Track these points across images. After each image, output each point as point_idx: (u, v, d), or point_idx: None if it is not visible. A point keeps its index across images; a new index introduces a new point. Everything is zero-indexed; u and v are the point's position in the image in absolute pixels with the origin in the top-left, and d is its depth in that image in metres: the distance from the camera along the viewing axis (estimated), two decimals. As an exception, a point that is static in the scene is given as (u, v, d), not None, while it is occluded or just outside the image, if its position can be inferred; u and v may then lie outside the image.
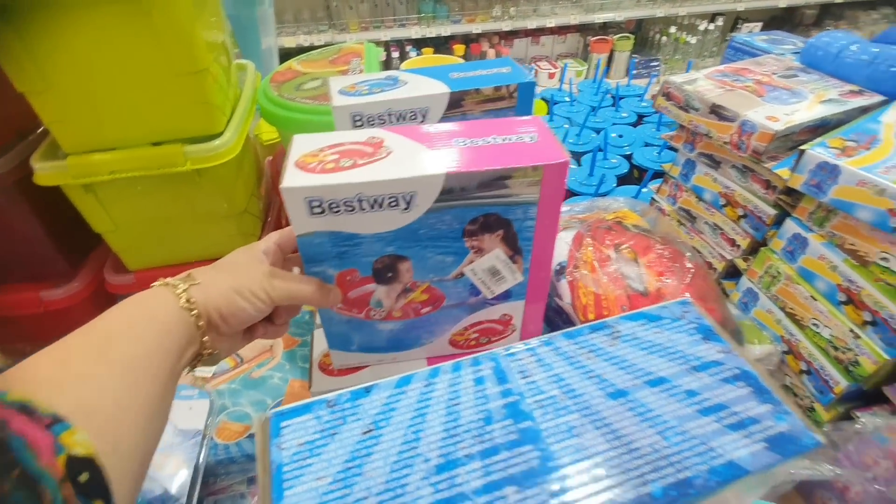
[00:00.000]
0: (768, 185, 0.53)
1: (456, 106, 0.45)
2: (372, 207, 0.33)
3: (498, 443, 0.17)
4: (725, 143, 0.54)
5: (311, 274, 0.36)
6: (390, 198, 0.32)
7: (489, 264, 0.38)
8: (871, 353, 0.44)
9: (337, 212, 0.33)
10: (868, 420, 0.45)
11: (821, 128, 0.51)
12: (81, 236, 0.60)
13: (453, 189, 0.33)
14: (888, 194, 0.40)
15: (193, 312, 0.30)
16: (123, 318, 0.28)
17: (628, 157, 0.92)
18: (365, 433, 0.17)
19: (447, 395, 0.19)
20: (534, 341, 0.21)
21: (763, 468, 0.17)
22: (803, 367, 0.51)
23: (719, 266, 0.61)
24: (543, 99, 1.17)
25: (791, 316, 0.51)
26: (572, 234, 0.55)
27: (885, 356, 0.43)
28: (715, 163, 0.59)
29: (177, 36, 0.47)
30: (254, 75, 0.69)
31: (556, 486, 0.16)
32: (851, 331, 0.45)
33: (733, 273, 0.59)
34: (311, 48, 2.50)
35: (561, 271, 0.51)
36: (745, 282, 0.57)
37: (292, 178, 0.32)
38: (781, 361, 0.52)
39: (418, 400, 0.19)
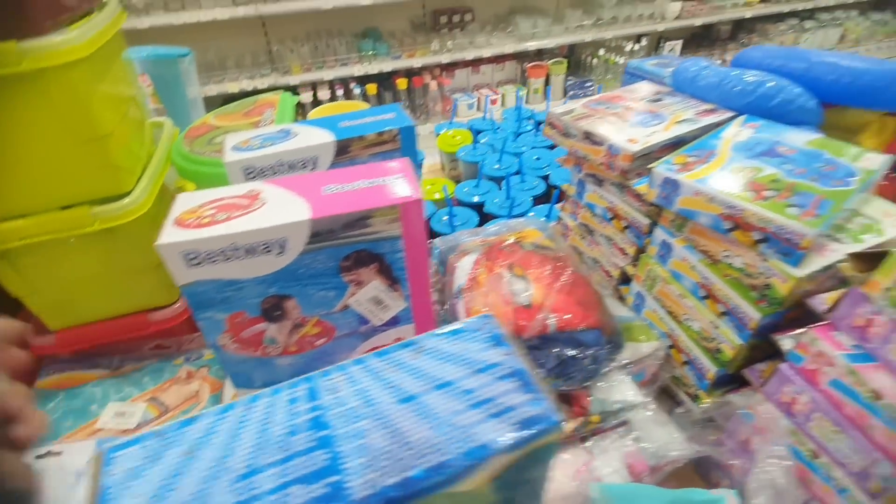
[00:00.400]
0: (640, 198, 0.59)
1: (344, 152, 0.50)
2: (247, 255, 0.36)
3: (296, 450, 0.21)
4: (600, 164, 0.60)
5: (200, 320, 0.39)
6: (263, 245, 0.36)
7: (370, 295, 0.42)
8: (728, 341, 0.50)
9: (214, 261, 0.36)
10: (737, 400, 0.51)
11: (678, 145, 0.58)
12: (3, 301, 0.61)
13: (321, 231, 0.37)
14: (717, 201, 0.46)
15: None
16: None
17: (546, 178, 0.98)
18: (184, 455, 0.21)
19: (262, 416, 0.22)
20: (347, 362, 0.25)
21: (509, 448, 0.21)
22: (684, 358, 0.56)
23: (615, 273, 0.66)
24: (470, 129, 1.24)
25: (670, 313, 0.57)
26: (474, 258, 0.60)
27: (739, 341, 0.49)
28: (598, 181, 0.65)
29: (77, 107, 0.50)
30: (171, 131, 0.72)
31: (335, 479, 0.20)
32: (712, 322, 0.51)
33: (626, 279, 0.65)
34: (255, 92, 2.55)
35: (459, 293, 0.55)
36: (634, 286, 0.62)
37: (168, 235, 0.35)
38: (667, 355, 0.58)
39: (237, 422, 0.22)
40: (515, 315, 0.49)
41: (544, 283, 0.53)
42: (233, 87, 2.41)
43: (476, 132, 1.19)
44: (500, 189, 0.96)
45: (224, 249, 0.36)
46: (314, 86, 2.62)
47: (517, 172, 0.98)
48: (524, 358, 0.25)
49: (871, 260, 0.40)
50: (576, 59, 3.25)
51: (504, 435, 0.21)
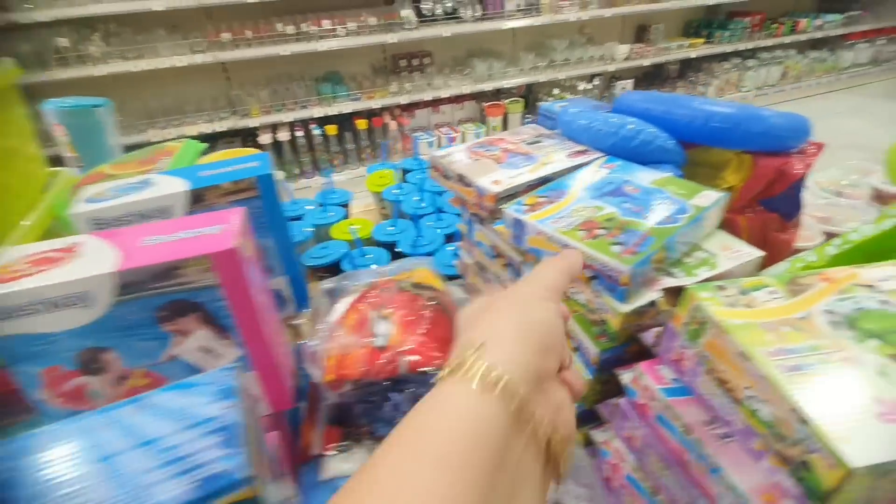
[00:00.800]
0: (511, 237, 0.61)
1: (199, 201, 0.51)
2: (53, 308, 0.36)
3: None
4: (474, 204, 0.62)
5: (16, 374, 0.39)
6: (65, 298, 0.36)
7: (198, 344, 0.42)
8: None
9: (21, 315, 0.36)
10: (597, 436, 0.51)
11: (543, 185, 0.60)
12: None
13: (130, 283, 0.37)
14: (553, 240, 0.48)
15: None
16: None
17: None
18: None
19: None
20: (69, 420, 0.25)
21: (181, 505, 0.21)
22: (554, 395, 0.56)
23: (502, 310, 0.67)
24: (402, 169, 1.27)
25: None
26: (351, 300, 0.60)
27: (589, 376, 0.49)
28: (480, 220, 0.67)
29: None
30: (66, 180, 0.73)
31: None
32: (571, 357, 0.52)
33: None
34: (214, 135, 2.58)
35: (325, 338, 0.55)
36: (514, 323, 0.63)
37: (-34, 291, 0.35)
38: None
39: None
40: (369, 357, 0.50)
41: (406, 323, 0.53)
42: (191, 131, 2.44)
43: (406, 172, 1.22)
44: (416, 228, 0.98)
45: (27, 304, 0.36)
46: (274, 127, 2.66)
47: (440, 210, 1.01)
48: (248, 411, 0.25)
49: (679, 295, 0.41)
50: (533, 98, 3.38)
51: (176, 493, 0.21)
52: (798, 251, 0.74)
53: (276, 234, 0.56)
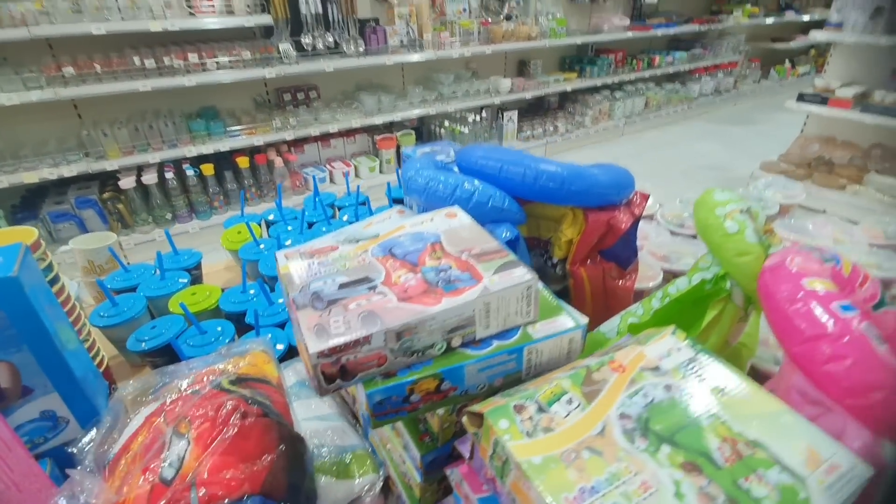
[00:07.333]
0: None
1: None
2: None
3: None
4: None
5: None
6: None
7: None
8: (412, 476, 0.45)
9: None
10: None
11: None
12: None
13: None
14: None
15: None
16: None
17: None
18: None
19: None
20: None
21: None
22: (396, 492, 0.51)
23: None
24: (266, 221, 1.17)
25: (381, 440, 0.52)
26: (150, 410, 0.50)
27: (418, 479, 0.44)
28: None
29: None
30: None
31: None
32: (400, 455, 0.47)
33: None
34: (62, 181, 2.26)
35: (91, 487, 0.45)
36: (360, 409, 0.57)
37: None
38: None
39: None
40: (150, 500, 0.40)
41: (205, 439, 0.45)
42: (30, 178, 2.10)
43: (269, 224, 1.12)
44: (272, 291, 0.89)
45: None
46: (139, 169, 2.39)
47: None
48: None
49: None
50: (426, 129, 3.43)
51: None
52: (639, 294, 0.77)
53: (33, 344, 0.45)
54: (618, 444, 0.31)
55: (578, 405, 0.34)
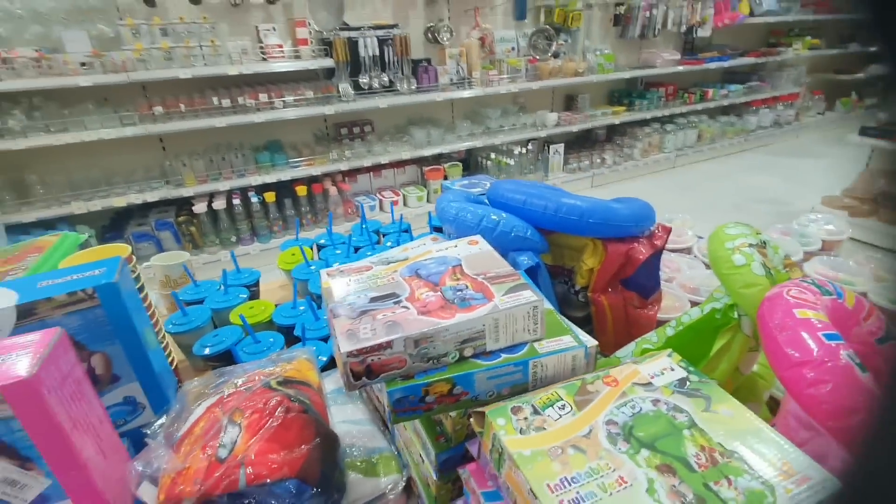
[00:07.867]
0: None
1: (29, 315, 0.49)
2: None
3: None
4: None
5: None
6: None
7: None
8: (429, 475, 0.50)
9: None
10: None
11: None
12: None
13: None
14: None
15: None
16: None
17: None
18: None
19: None
20: None
21: None
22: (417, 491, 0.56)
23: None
24: (317, 245, 1.28)
25: (405, 445, 0.57)
26: (208, 403, 0.59)
27: (434, 477, 0.49)
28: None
29: None
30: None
31: None
32: (420, 454, 0.52)
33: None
34: (145, 206, 2.53)
35: (162, 454, 0.53)
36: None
37: None
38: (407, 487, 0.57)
39: None
40: (207, 472, 0.48)
41: (254, 428, 0.52)
42: (119, 202, 2.38)
43: (321, 247, 1.23)
44: (320, 308, 0.98)
45: None
46: (211, 196, 2.64)
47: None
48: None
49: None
50: (473, 161, 3.54)
51: None
52: (662, 323, 0.79)
53: (124, 340, 0.55)
54: (601, 445, 0.35)
55: (570, 410, 0.38)
